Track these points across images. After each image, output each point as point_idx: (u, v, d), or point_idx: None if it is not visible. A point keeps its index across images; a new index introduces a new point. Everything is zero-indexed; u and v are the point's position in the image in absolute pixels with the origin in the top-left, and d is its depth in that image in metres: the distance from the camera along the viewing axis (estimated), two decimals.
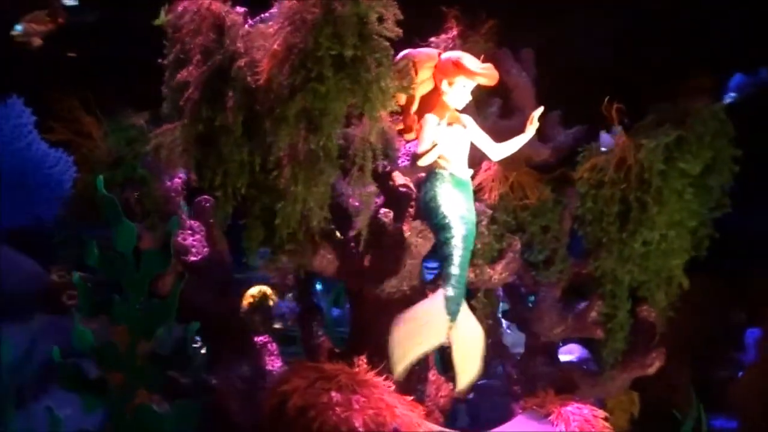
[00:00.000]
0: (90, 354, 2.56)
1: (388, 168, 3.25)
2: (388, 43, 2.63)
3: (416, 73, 2.93)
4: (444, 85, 2.98)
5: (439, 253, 2.90)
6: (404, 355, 2.70)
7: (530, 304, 3.65)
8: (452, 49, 3.70)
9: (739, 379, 4.10)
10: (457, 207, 2.92)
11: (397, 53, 2.91)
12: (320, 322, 3.33)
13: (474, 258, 3.43)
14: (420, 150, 2.91)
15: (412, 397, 2.89)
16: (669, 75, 4.07)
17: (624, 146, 3.30)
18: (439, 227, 2.90)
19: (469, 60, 2.96)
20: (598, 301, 3.42)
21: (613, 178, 3.32)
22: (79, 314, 2.60)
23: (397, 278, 3.25)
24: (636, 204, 3.24)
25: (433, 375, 3.33)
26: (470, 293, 3.47)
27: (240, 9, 2.87)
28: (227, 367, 2.83)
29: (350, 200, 3.18)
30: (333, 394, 2.48)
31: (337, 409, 2.43)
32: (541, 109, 3.11)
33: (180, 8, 2.82)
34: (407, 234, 3.10)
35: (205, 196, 3.18)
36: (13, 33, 3.70)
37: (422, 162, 2.90)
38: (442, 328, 2.74)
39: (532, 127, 3.10)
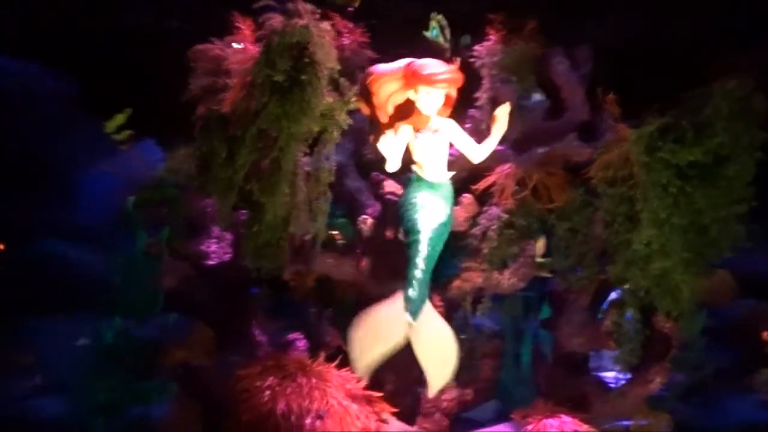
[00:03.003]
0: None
1: (381, 177, 3.45)
2: (325, 66, 2.86)
3: (374, 89, 3.01)
4: (411, 94, 3.08)
5: (406, 255, 3.00)
6: (362, 353, 2.84)
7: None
8: (494, 54, 3.76)
9: None
10: (426, 210, 2.99)
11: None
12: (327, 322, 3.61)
13: (481, 263, 3.43)
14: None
15: (381, 394, 3.03)
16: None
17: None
18: (406, 230, 3.01)
19: (428, 67, 2.98)
20: (612, 310, 3.15)
21: (623, 175, 3.05)
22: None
23: (398, 282, 3.40)
24: (638, 201, 2.95)
25: None
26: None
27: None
28: (223, 356, 3.28)
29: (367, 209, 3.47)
30: (271, 379, 2.76)
31: (266, 392, 2.71)
32: (507, 105, 3.02)
33: (192, 56, 3.35)
34: (389, 238, 3.25)
35: (241, 210, 3.70)
36: None
37: (388, 169, 3.04)
38: (400, 328, 2.84)
39: (499, 126, 3.03)
